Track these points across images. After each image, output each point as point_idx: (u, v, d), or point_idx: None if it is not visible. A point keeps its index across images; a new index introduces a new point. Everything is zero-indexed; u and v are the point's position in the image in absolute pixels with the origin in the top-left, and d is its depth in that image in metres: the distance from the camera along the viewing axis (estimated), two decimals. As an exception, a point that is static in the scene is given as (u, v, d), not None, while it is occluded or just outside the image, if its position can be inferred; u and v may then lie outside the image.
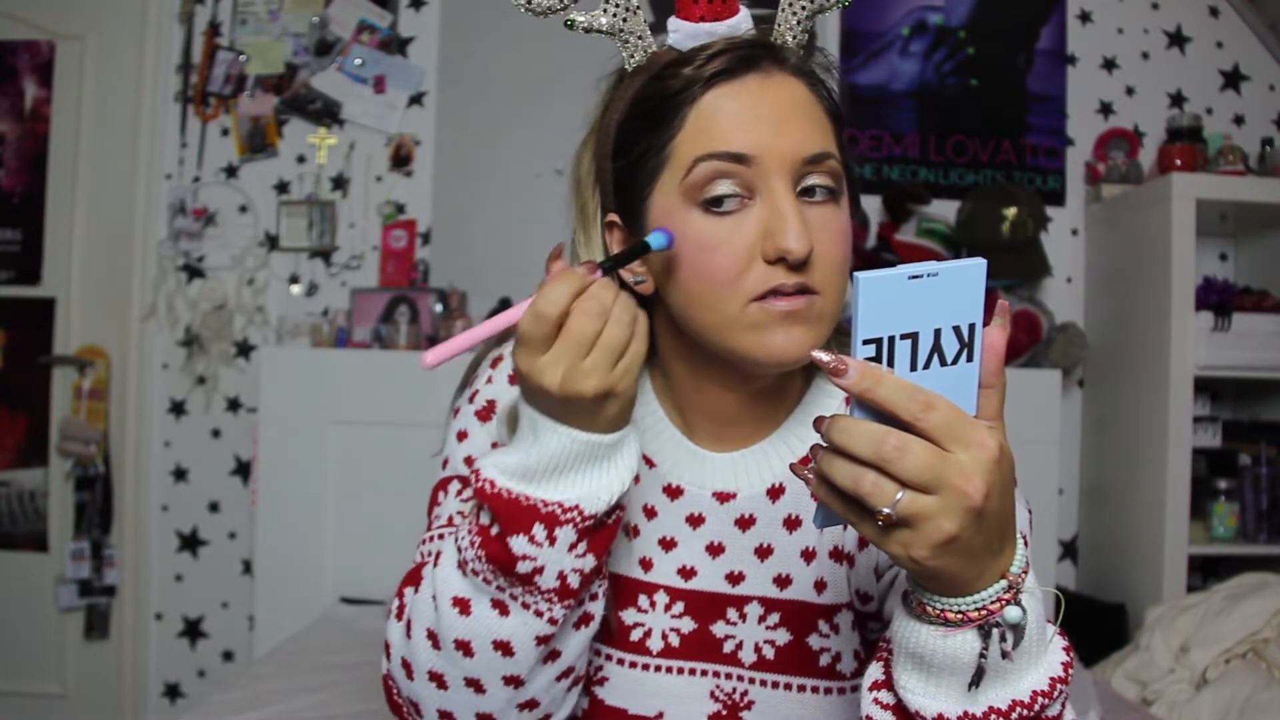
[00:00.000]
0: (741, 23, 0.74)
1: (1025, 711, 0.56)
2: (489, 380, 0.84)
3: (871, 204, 2.51)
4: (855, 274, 0.51)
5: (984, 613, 0.54)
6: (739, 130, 0.69)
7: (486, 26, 2.51)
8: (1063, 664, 0.58)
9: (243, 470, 2.51)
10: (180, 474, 2.52)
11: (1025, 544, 0.58)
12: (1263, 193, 2.26)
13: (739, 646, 0.81)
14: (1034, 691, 0.56)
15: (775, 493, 0.81)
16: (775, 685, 0.80)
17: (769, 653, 0.80)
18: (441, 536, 0.76)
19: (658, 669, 0.82)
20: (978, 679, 0.55)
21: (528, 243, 2.35)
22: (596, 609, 0.72)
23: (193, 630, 2.51)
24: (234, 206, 2.52)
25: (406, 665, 0.71)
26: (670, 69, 0.73)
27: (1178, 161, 2.32)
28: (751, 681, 0.81)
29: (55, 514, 2.46)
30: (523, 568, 0.65)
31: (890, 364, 0.52)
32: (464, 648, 0.68)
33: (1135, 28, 2.63)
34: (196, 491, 2.52)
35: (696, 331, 0.73)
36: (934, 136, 2.60)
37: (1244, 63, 2.64)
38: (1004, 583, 0.55)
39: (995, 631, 0.55)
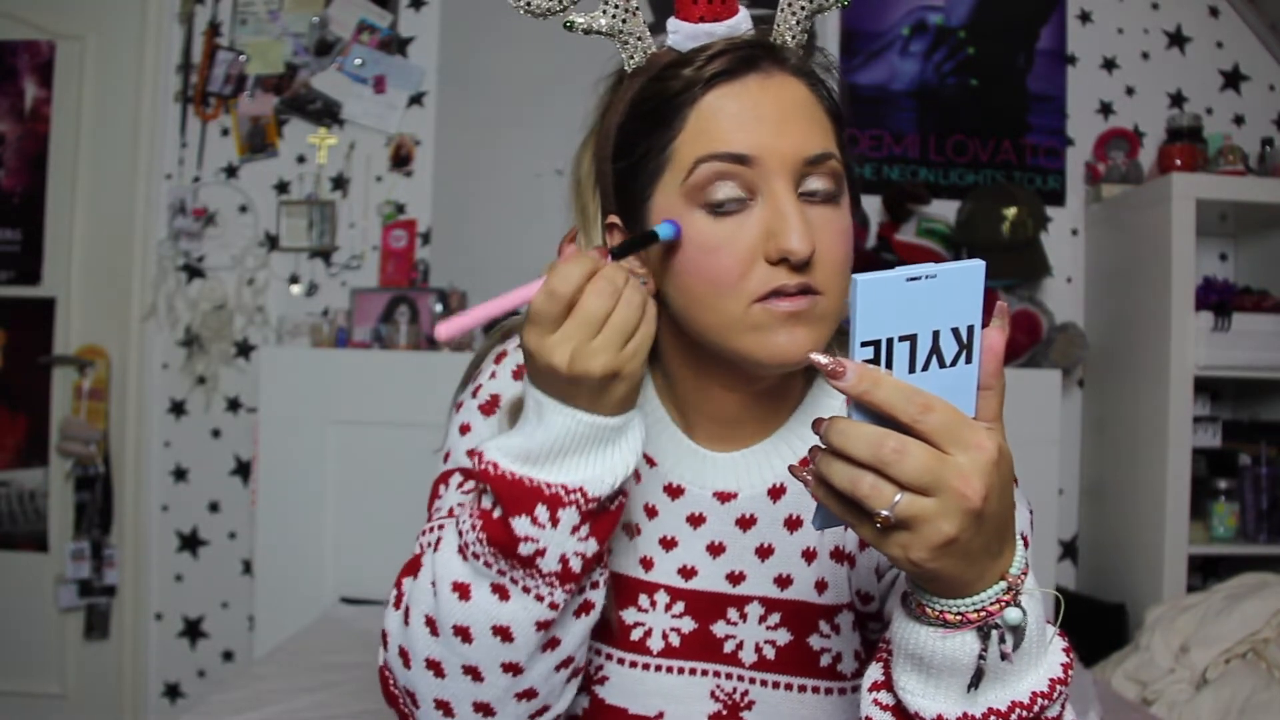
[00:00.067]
0: (741, 23, 0.74)
1: (1024, 713, 0.56)
2: (492, 375, 0.84)
3: (871, 204, 2.51)
4: (854, 276, 0.51)
5: (983, 614, 0.54)
6: (740, 131, 0.69)
7: (486, 26, 2.51)
8: (1062, 665, 0.58)
9: (243, 470, 2.51)
10: (180, 474, 2.52)
11: (1025, 545, 0.58)
12: (1263, 193, 2.26)
13: (739, 646, 0.81)
14: (1033, 693, 0.56)
15: (776, 493, 0.81)
16: (776, 685, 0.80)
17: (769, 653, 0.80)
18: (442, 527, 0.75)
19: (658, 669, 0.82)
20: (977, 680, 0.56)
21: (528, 243, 2.36)
22: (597, 598, 0.72)
23: (193, 630, 2.51)
24: (234, 206, 2.52)
25: (404, 653, 0.71)
26: (670, 70, 0.73)
27: (1178, 161, 2.32)
28: (752, 682, 0.81)
29: (55, 514, 2.46)
30: (524, 549, 0.65)
31: (889, 366, 0.52)
32: (463, 633, 0.67)
33: (1135, 28, 2.63)
34: (196, 491, 2.52)
35: (698, 332, 0.73)
36: (934, 136, 2.60)
37: (1244, 63, 2.64)
38: (1003, 584, 0.55)
39: (994, 633, 0.55)
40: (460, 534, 0.68)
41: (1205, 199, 2.20)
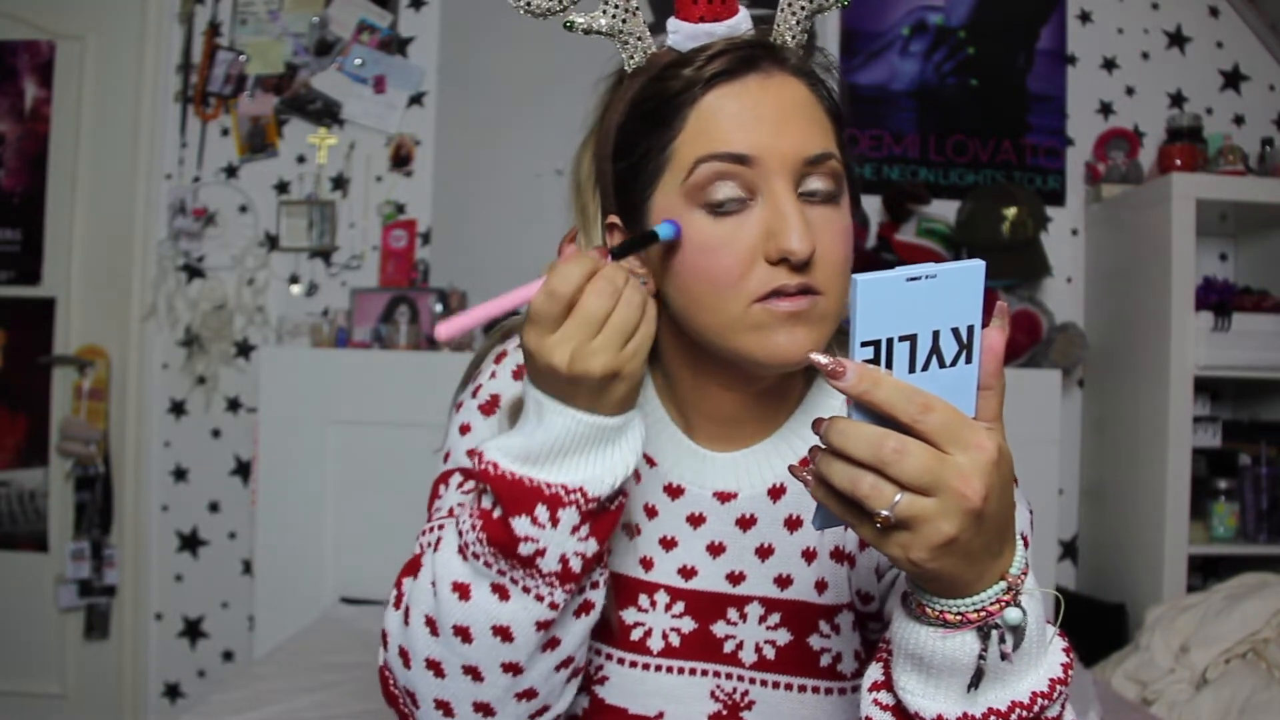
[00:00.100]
0: (741, 23, 0.74)
1: (1024, 713, 0.56)
2: (493, 375, 0.84)
3: (871, 204, 2.51)
4: (853, 276, 0.51)
5: (983, 614, 0.54)
6: (740, 131, 0.69)
7: (486, 26, 2.51)
8: (1062, 665, 0.58)
9: (243, 470, 2.51)
10: (180, 474, 2.52)
11: (1026, 545, 0.58)
12: (1263, 193, 2.26)
13: (739, 646, 0.81)
14: (1033, 693, 0.56)
15: (776, 493, 0.81)
16: (776, 685, 0.80)
17: (769, 653, 0.80)
18: (442, 527, 0.75)
19: (658, 669, 0.82)
20: (977, 680, 0.56)
21: (528, 243, 2.36)
22: (597, 598, 0.72)
23: (193, 630, 2.51)
24: (234, 206, 2.52)
25: (404, 653, 0.70)
26: (670, 70, 0.73)
27: (1178, 161, 2.32)
28: (752, 682, 0.81)
29: (55, 514, 2.47)
30: (524, 549, 0.65)
31: (889, 366, 0.52)
32: (463, 633, 0.67)
33: (1135, 28, 2.63)
34: (196, 491, 2.52)
35: (698, 332, 0.73)
36: (934, 136, 2.60)
37: (1244, 63, 2.64)
38: (1003, 584, 0.55)
39: (994, 633, 0.55)
40: (460, 534, 0.68)
41: (1205, 199, 2.20)
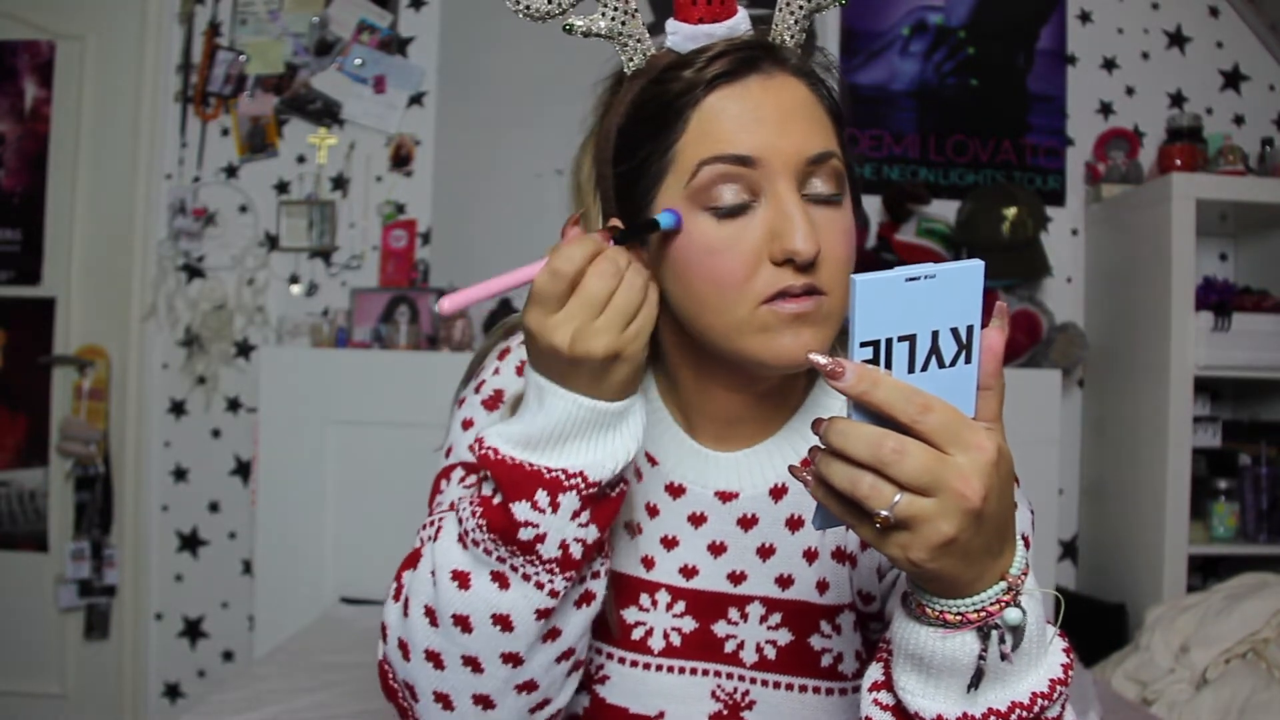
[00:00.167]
0: (740, 23, 0.74)
1: (1024, 713, 0.56)
2: (496, 371, 0.84)
3: (871, 204, 2.51)
4: (852, 276, 0.51)
5: (983, 614, 0.54)
6: (742, 132, 0.69)
7: (486, 27, 2.51)
8: (1062, 665, 0.58)
9: (243, 470, 2.51)
10: (180, 474, 2.52)
11: (1026, 545, 0.58)
12: (1263, 193, 2.27)
13: (740, 646, 0.81)
14: (1033, 693, 0.56)
15: (778, 493, 0.81)
16: (776, 685, 0.80)
17: (770, 653, 0.80)
18: (442, 519, 0.75)
19: (659, 668, 0.82)
20: (977, 680, 0.56)
21: (528, 243, 2.36)
22: (598, 588, 0.72)
23: (193, 630, 2.51)
24: (234, 206, 2.52)
25: (403, 645, 0.70)
26: (670, 72, 0.72)
27: (1178, 161, 2.32)
28: (753, 681, 0.81)
29: (55, 514, 2.47)
30: (524, 535, 0.65)
31: (888, 366, 0.52)
32: (462, 623, 0.67)
33: (1135, 28, 2.63)
34: (196, 491, 2.52)
35: (702, 334, 0.73)
36: (934, 136, 2.60)
37: (1244, 63, 2.64)
38: (1003, 584, 0.55)
39: (994, 633, 0.55)
40: (460, 522, 0.68)
41: (1205, 199, 2.20)
